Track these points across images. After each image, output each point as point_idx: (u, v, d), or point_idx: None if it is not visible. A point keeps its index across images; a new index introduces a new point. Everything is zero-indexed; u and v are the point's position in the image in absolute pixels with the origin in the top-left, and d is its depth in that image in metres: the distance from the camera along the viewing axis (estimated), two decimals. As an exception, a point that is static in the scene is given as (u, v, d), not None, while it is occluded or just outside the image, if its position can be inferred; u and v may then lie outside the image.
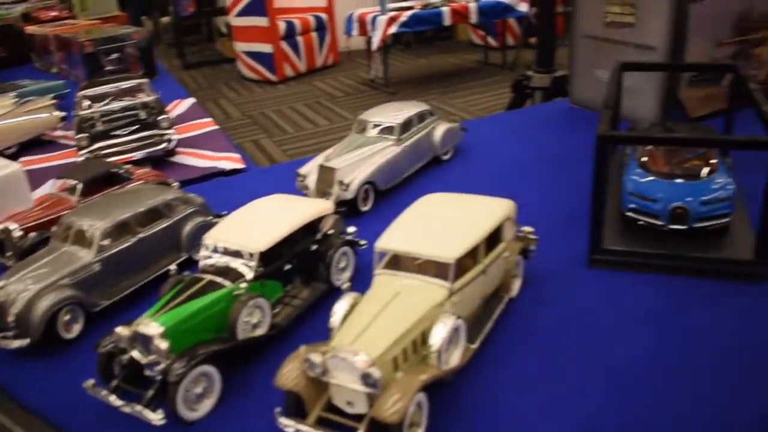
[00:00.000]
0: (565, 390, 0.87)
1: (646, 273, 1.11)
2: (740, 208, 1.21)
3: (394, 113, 1.48)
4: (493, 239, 0.96)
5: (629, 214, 1.19)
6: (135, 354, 0.88)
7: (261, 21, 6.95)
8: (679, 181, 1.17)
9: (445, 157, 1.59)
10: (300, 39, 7.35)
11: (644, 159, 1.23)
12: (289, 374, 0.80)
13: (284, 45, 7.13)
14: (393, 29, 6.10)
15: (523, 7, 6.53)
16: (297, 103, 6.23)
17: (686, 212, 1.13)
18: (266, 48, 7.02)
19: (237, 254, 0.98)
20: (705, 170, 1.18)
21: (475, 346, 0.90)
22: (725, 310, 1.01)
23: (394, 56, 7.71)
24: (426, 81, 6.97)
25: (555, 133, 1.78)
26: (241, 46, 7.39)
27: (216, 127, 2.17)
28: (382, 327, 0.81)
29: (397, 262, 0.91)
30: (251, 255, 0.96)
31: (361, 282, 0.98)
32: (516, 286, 1.06)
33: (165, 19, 8.89)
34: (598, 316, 1.01)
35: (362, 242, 1.14)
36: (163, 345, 0.85)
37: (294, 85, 6.94)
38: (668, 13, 1.60)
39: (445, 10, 6.40)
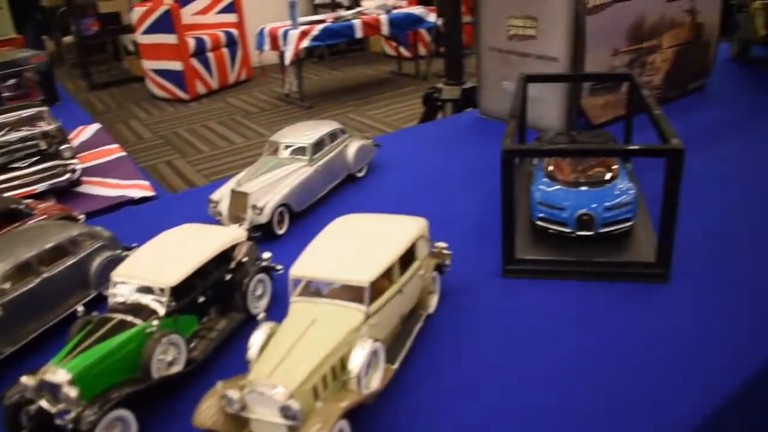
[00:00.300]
0: (488, 402, 0.88)
1: (558, 279, 1.14)
2: (642, 211, 1.27)
3: (306, 133, 1.47)
4: (407, 258, 0.97)
5: (539, 223, 1.23)
6: (43, 404, 0.83)
7: (169, 38, 6.84)
8: (583, 188, 1.21)
9: (360, 175, 1.60)
10: (211, 55, 7.27)
11: (550, 168, 1.27)
12: (207, 412, 0.78)
13: (195, 62, 7.03)
14: (305, 43, 6.12)
15: (433, 18, 6.66)
16: (211, 121, 6.15)
17: (592, 219, 1.17)
18: (176, 65, 6.91)
19: (147, 290, 0.95)
20: (607, 176, 1.23)
21: (395, 366, 0.91)
22: (632, 310, 1.05)
23: (308, 69, 7.72)
24: (341, 93, 7.01)
25: (466, 144, 1.82)
26: (149, 65, 7.24)
27: (123, 153, 2.11)
28: (300, 357, 0.80)
29: (313, 288, 0.91)
30: (162, 290, 0.94)
31: (280, 308, 0.97)
32: (433, 302, 1.07)
33: (67, 39, 8.58)
34: (516, 325, 1.04)
35: (279, 267, 1.13)
36: (73, 392, 0.81)
37: (207, 103, 6.85)
38: (567, 26, 1.67)
39: (357, 22, 6.47)
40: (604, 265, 1.15)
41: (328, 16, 6.71)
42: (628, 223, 1.20)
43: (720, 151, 1.65)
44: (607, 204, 1.18)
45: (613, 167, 1.25)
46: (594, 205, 1.18)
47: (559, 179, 1.24)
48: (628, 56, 1.81)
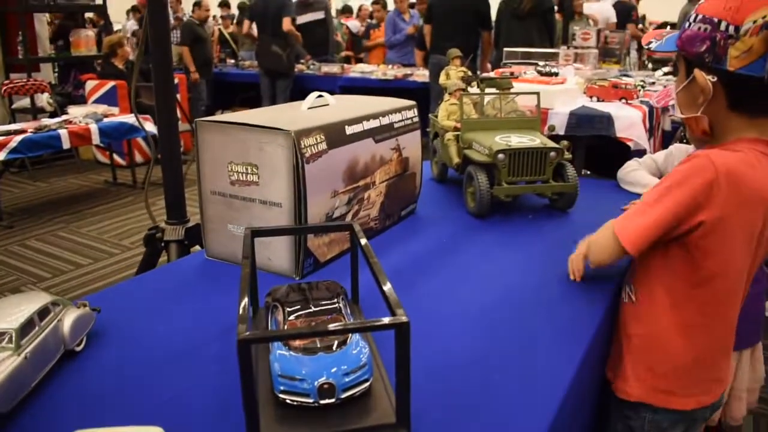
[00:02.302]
0: None
1: (308, 456, 1.12)
2: (378, 368, 1.31)
3: (9, 314, 1.28)
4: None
5: (281, 396, 1.20)
6: None
7: None
8: (320, 354, 1.22)
9: (78, 348, 1.43)
10: None
11: (287, 334, 1.26)
12: None
13: None
14: (1, 156, 5.54)
15: (149, 127, 6.48)
16: None
17: (333, 386, 1.18)
18: None
19: None
20: (342, 339, 1.25)
21: None
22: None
23: (6, 182, 6.99)
24: (49, 208, 6.43)
25: (195, 294, 1.74)
26: None
27: None
28: None
29: None
30: None
31: None
32: None
33: None
34: None
35: (-19, 504, 0.95)
36: None
37: None
38: (287, 174, 1.72)
39: (63, 132, 6.08)
40: (350, 432, 1.15)
41: (28, 125, 6.16)
42: (367, 384, 1.23)
43: (434, 281, 1.80)
44: (344, 369, 1.20)
45: (347, 328, 1.28)
46: (333, 370, 1.19)
47: (296, 347, 1.23)
48: (346, 195, 1.91)
